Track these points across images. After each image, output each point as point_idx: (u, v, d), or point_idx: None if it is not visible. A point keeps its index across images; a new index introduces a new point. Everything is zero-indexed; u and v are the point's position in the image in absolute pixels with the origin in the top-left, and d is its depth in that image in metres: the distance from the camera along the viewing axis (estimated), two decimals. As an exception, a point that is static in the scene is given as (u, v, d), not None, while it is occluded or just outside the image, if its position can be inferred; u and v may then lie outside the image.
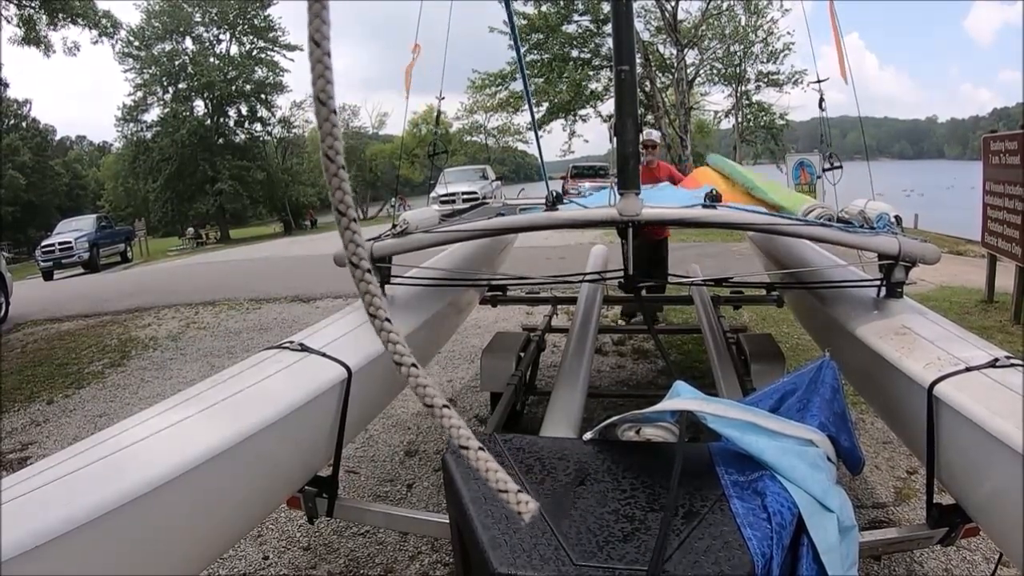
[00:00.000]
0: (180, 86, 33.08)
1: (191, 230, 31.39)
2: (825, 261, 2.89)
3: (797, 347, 5.06)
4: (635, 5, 2.33)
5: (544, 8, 21.80)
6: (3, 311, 8.55)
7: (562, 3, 21.74)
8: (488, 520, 1.27)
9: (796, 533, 1.26)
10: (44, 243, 19.73)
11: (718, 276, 3.36)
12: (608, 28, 10.91)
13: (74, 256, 19.11)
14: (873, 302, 2.24)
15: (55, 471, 1.21)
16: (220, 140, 33.90)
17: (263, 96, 35.07)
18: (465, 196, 16.62)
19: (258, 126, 35.94)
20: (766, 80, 23.15)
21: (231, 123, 34.89)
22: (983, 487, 1.49)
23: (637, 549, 1.19)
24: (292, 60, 34.89)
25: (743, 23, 22.54)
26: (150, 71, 32.70)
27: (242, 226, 37.81)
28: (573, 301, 3.96)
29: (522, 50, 19.95)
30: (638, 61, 7.73)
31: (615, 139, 2.13)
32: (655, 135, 5.82)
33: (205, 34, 33.85)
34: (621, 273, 2.53)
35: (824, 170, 3.09)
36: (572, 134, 23.90)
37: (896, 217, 2.25)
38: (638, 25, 20.37)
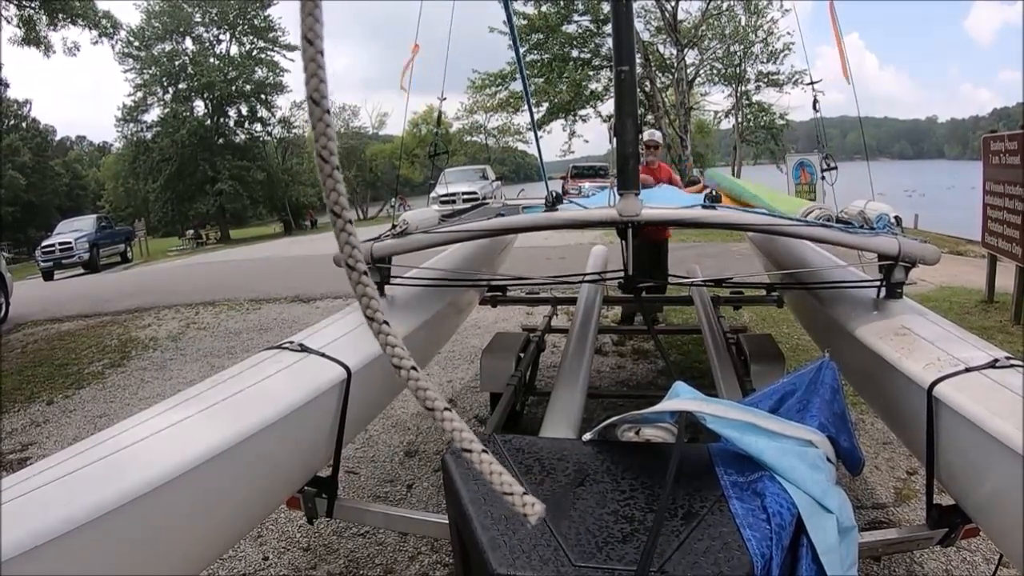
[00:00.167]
0: (180, 86, 33.10)
1: (191, 231, 31.39)
2: (825, 262, 2.89)
3: (797, 347, 5.06)
4: (635, 5, 2.33)
5: (544, 8, 21.81)
6: (3, 311, 8.55)
7: (562, 3, 21.74)
8: (487, 521, 1.27)
9: (795, 534, 1.26)
10: (44, 243, 19.73)
11: (718, 276, 3.36)
12: (608, 28, 10.92)
13: (74, 256, 19.11)
14: (873, 302, 2.24)
15: (55, 471, 1.21)
16: (220, 140, 33.91)
17: (263, 96, 35.09)
18: (465, 196, 16.62)
19: (258, 126, 36.01)
20: (766, 80, 23.17)
21: (231, 123, 34.92)
22: (983, 488, 1.49)
23: (636, 550, 1.19)
24: (292, 60, 34.96)
25: (743, 23, 22.55)
26: (150, 71, 32.71)
27: (242, 226, 37.81)
28: (573, 301, 3.96)
29: (522, 50, 19.98)
30: (638, 61, 7.74)
31: (615, 139, 2.13)
32: (658, 136, 5.82)
33: (205, 34, 33.90)
34: (621, 273, 2.53)
35: (823, 171, 3.10)
36: (572, 134, 23.94)
37: (896, 217, 2.25)
38: (638, 25, 20.38)
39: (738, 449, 1.40)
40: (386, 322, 0.69)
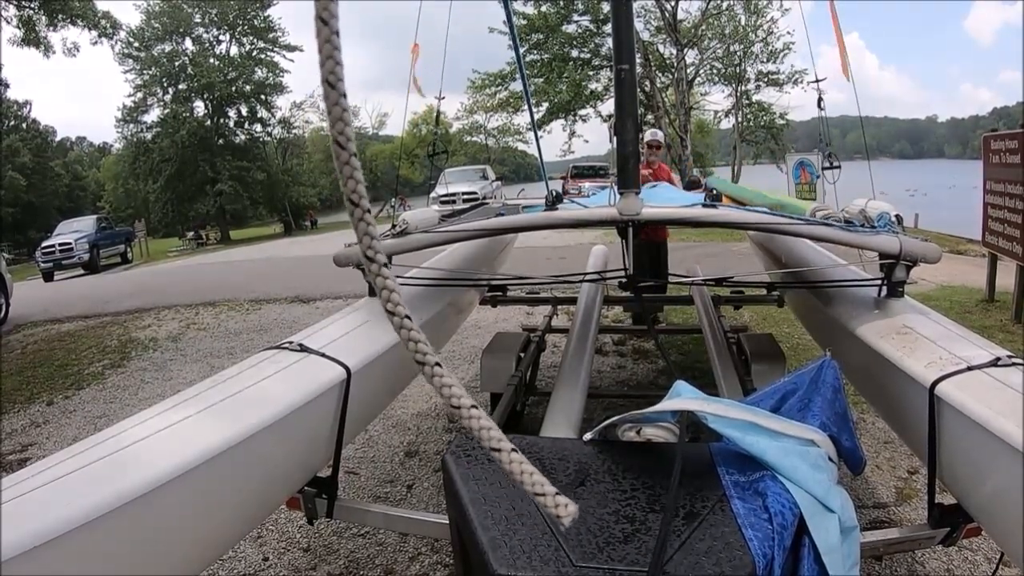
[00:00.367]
0: (180, 87, 33.06)
1: (191, 232, 31.38)
2: (826, 261, 2.88)
3: (798, 347, 5.06)
4: (635, 5, 2.33)
5: (544, 8, 21.81)
6: (3, 312, 8.56)
7: (562, 3, 21.74)
8: (488, 521, 1.27)
9: (797, 534, 1.25)
10: (44, 244, 19.73)
11: (718, 276, 3.36)
12: (608, 28, 10.92)
13: (74, 257, 19.11)
14: (874, 301, 2.23)
15: (55, 471, 1.21)
16: (220, 141, 33.87)
17: (263, 97, 35.05)
18: (465, 196, 16.62)
19: (258, 127, 35.94)
20: (766, 80, 23.18)
21: (231, 124, 34.87)
22: (985, 487, 1.48)
23: (638, 550, 1.19)
24: (292, 61, 34.95)
25: (743, 23, 22.56)
26: (150, 72, 32.68)
27: (242, 227, 37.80)
28: (573, 301, 3.95)
29: (522, 50, 19.97)
30: (638, 61, 7.74)
31: (615, 139, 2.13)
32: (660, 136, 5.82)
33: (205, 35, 33.85)
34: (621, 273, 2.53)
35: (823, 168, 3.09)
36: (572, 134, 23.95)
37: (897, 216, 2.25)
38: (638, 25, 20.38)
39: (740, 449, 1.40)
40: (408, 316, 0.65)
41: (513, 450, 0.67)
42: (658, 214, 2.35)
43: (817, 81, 3.23)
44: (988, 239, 6.27)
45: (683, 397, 1.52)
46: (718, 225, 2.69)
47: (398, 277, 2.64)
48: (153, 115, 33.34)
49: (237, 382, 1.67)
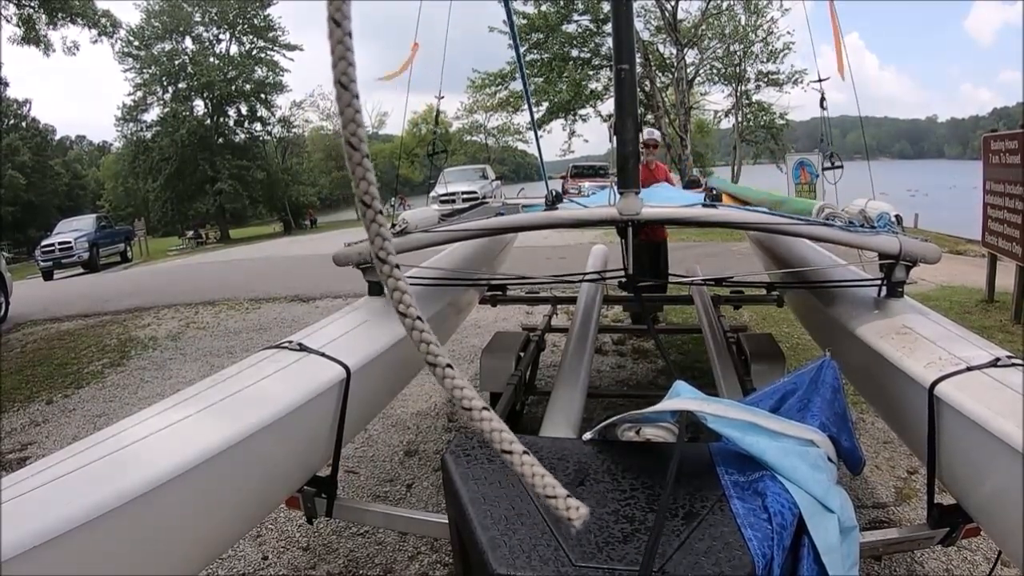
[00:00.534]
0: (180, 86, 33.03)
1: (191, 231, 31.37)
2: (825, 261, 2.89)
3: (797, 347, 5.06)
4: (635, 5, 2.33)
5: (544, 8, 21.81)
6: (3, 311, 8.56)
7: (562, 3, 21.74)
8: (487, 520, 1.27)
9: (797, 534, 1.26)
10: (44, 243, 19.71)
11: (718, 276, 3.36)
12: (608, 28, 10.91)
13: (74, 256, 19.10)
14: (874, 302, 2.24)
15: (55, 471, 1.21)
16: (220, 140, 33.86)
17: (263, 96, 35.03)
18: (465, 196, 16.61)
19: (258, 126, 35.92)
20: (766, 80, 23.19)
21: (231, 123, 34.85)
22: (984, 487, 1.48)
23: (637, 550, 1.19)
24: (292, 60, 34.95)
25: (743, 23, 22.56)
26: (150, 71, 32.65)
27: (242, 226, 37.80)
28: (573, 301, 3.95)
29: (522, 50, 19.96)
30: (638, 61, 7.74)
31: (615, 139, 2.13)
32: (656, 135, 5.83)
33: (205, 34, 33.82)
34: (621, 273, 2.53)
35: (824, 169, 3.09)
36: (572, 134, 23.96)
37: (896, 216, 2.25)
38: (638, 25, 20.37)
39: (739, 449, 1.40)
40: (419, 317, 0.65)
41: (525, 452, 0.67)
42: (658, 214, 2.35)
43: (820, 81, 3.23)
44: (988, 239, 6.27)
45: (682, 397, 1.52)
46: (718, 225, 2.69)
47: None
48: (153, 114, 33.38)
49: (237, 381, 1.67)
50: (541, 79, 22.09)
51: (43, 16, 12.54)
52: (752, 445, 1.37)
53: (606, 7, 17.57)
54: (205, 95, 33.26)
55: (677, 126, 21.62)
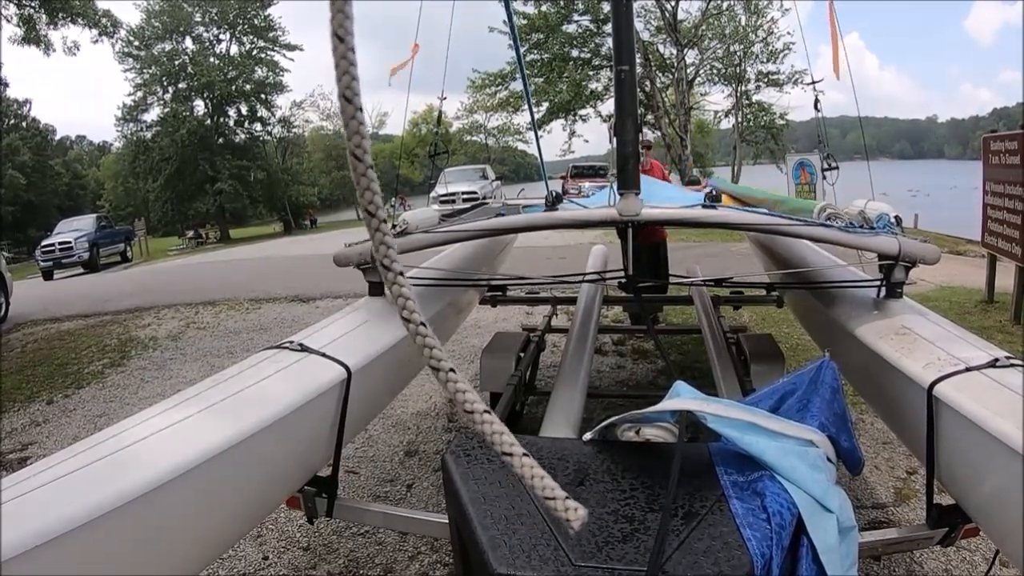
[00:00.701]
0: (180, 86, 33.04)
1: (191, 231, 31.38)
2: (825, 261, 2.89)
3: (797, 347, 5.06)
4: (635, 5, 2.33)
5: (544, 8, 21.81)
6: (3, 311, 8.56)
7: (562, 3, 21.74)
8: (487, 520, 1.27)
9: (796, 533, 1.26)
10: (44, 243, 19.72)
11: (718, 276, 3.36)
12: (608, 28, 10.90)
13: (74, 256, 19.11)
14: (873, 302, 2.24)
15: (55, 471, 1.21)
16: (220, 140, 33.87)
17: (263, 96, 35.04)
18: (465, 196, 16.62)
19: (258, 126, 35.93)
20: (766, 80, 23.20)
21: (231, 123, 34.85)
22: (983, 487, 1.48)
23: (636, 549, 1.19)
24: (292, 60, 34.96)
25: (743, 23, 22.56)
26: (150, 71, 32.66)
27: (242, 226, 37.80)
28: (573, 301, 3.95)
29: (522, 50, 19.96)
30: (638, 61, 7.75)
31: (615, 139, 2.13)
32: (649, 136, 5.86)
33: (205, 34, 33.83)
34: (621, 273, 2.53)
35: (823, 171, 3.09)
36: (572, 134, 23.96)
37: (896, 217, 2.25)
38: (638, 25, 20.38)
39: (738, 449, 1.40)
40: (423, 323, 0.67)
41: (525, 454, 0.69)
42: (658, 215, 2.35)
43: (814, 83, 3.23)
44: (987, 240, 6.27)
45: (682, 397, 1.53)
46: (718, 226, 2.69)
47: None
48: (153, 114, 33.39)
49: (237, 381, 1.67)
50: (541, 79, 22.10)
51: (43, 16, 12.53)
52: (751, 445, 1.37)
53: (606, 7, 17.57)
54: (205, 95, 33.27)
55: (677, 126, 21.62)
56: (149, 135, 33.40)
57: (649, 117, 21.01)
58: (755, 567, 1.15)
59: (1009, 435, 1.27)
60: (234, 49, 34.32)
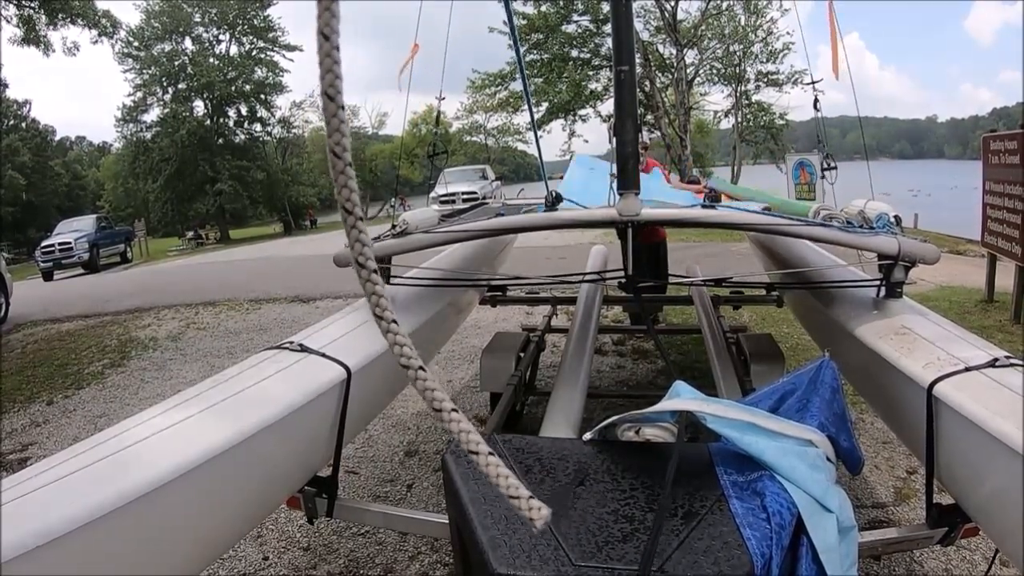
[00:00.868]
0: (180, 86, 33.03)
1: (191, 231, 31.37)
2: (825, 261, 2.89)
3: (797, 347, 5.07)
4: (635, 5, 2.33)
5: (544, 8, 21.80)
6: (3, 311, 8.56)
7: (562, 3, 21.73)
8: (487, 520, 1.28)
9: (795, 533, 1.26)
10: (44, 243, 19.71)
11: (718, 276, 3.36)
12: (608, 28, 10.91)
13: (74, 256, 19.10)
14: (873, 302, 2.24)
15: (55, 471, 1.21)
16: (220, 140, 33.85)
17: (263, 96, 35.01)
18: (465, 196, 16.63)
19: (258, 126, 35.91)
20: (766, 80, 23.16)
21: (231, 123, 34.83)
22: (983, 487, 1.49)
23: (636, 549, 1.19)
24: (292, 60, 34.93)
25: (742, 23, 22.55)
26: (150, 71, 32.65)
27: (242, 226, 37.78)
28: (573, 301, 3.95)
29: (522, 50, 19.95)
30: (638, 61, 7.74)
31: (615, 139, 2.13)
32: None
33: (205, 34, 33.81)
34: (621, 273, 2.53)
35: (823, 170, 3.10)
36: (572, 134, 23.92)
37: (896, 217, 2.25)
38: (638, 25, 20.37)
39: (738, 449, 1.40)
40: (395, 321, 0.68)
41: (490, 453, 0.69)
42: (658, 215, 2.35)
43: (813, 83, 3.23)
44: (987, 239, 6.27)
45: (682, 397, 1.53)
46: (717, 226, 2.69)
47: (398, 277, 2.65)
48: (153, 114, 33.35)
49: (238, 382, 1.68)
50: (541, 79, 22.07)
51: (43, 17, 12.52)
52: (751, 445, 1.37)
53: (606, 7, 17.58)
54: (205, 96, 33.25)
55: (677, 126, 21.61)
56: (149, 136, 33.38)
57: (649, 117, 20.99)
58: (755, 567, 1.15)
59: (1009, 435, 1.27)
60: (234, 50, 34.32)
